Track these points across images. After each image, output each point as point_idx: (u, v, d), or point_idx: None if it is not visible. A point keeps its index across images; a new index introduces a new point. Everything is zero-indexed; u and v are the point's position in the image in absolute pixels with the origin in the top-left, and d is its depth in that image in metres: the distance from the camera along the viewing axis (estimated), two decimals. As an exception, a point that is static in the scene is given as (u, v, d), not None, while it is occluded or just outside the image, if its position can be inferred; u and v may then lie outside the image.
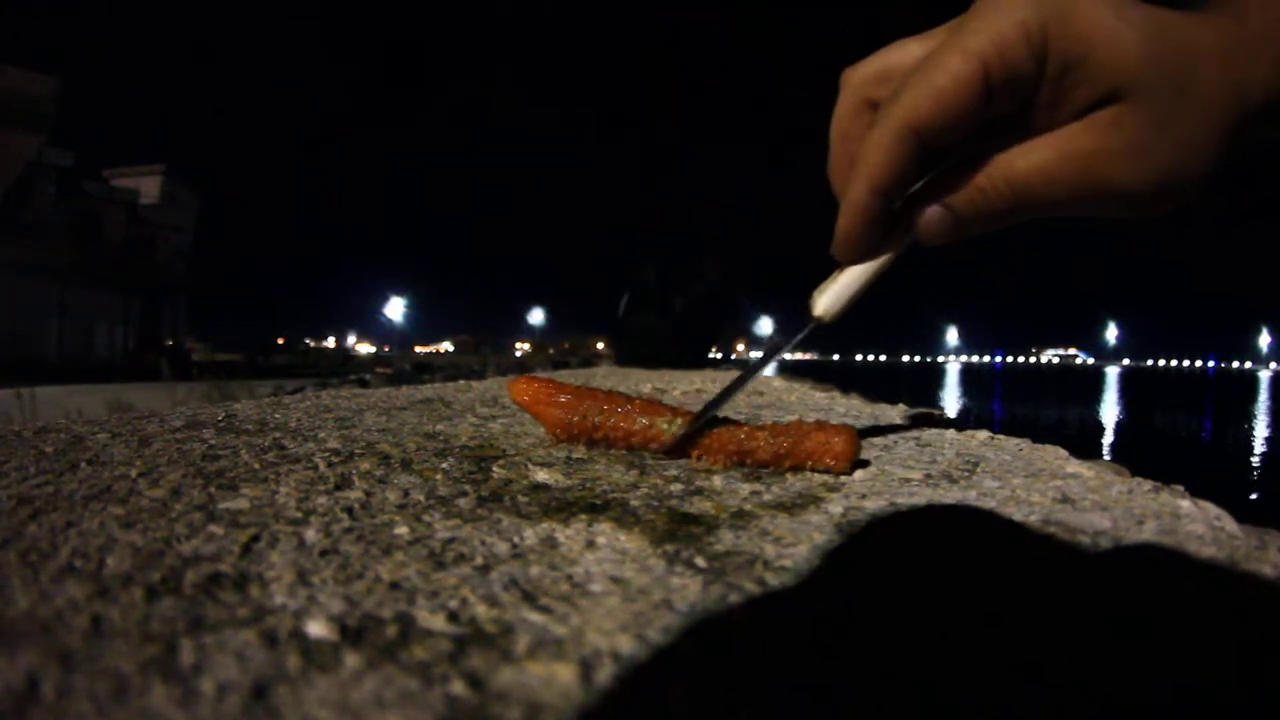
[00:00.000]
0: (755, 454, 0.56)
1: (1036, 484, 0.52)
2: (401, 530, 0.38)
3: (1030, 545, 0.38)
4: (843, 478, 0.54)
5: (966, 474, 0.56)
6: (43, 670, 0.22)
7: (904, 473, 0.56)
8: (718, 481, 0.52)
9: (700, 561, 0.34)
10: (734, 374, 3.23)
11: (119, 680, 0.22)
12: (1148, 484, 0.53)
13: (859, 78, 0.40)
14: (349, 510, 0.42)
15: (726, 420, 0.59)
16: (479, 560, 0.34)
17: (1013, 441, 0.74)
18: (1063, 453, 0.66)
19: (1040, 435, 0.78)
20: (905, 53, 0.38)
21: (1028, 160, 0.34)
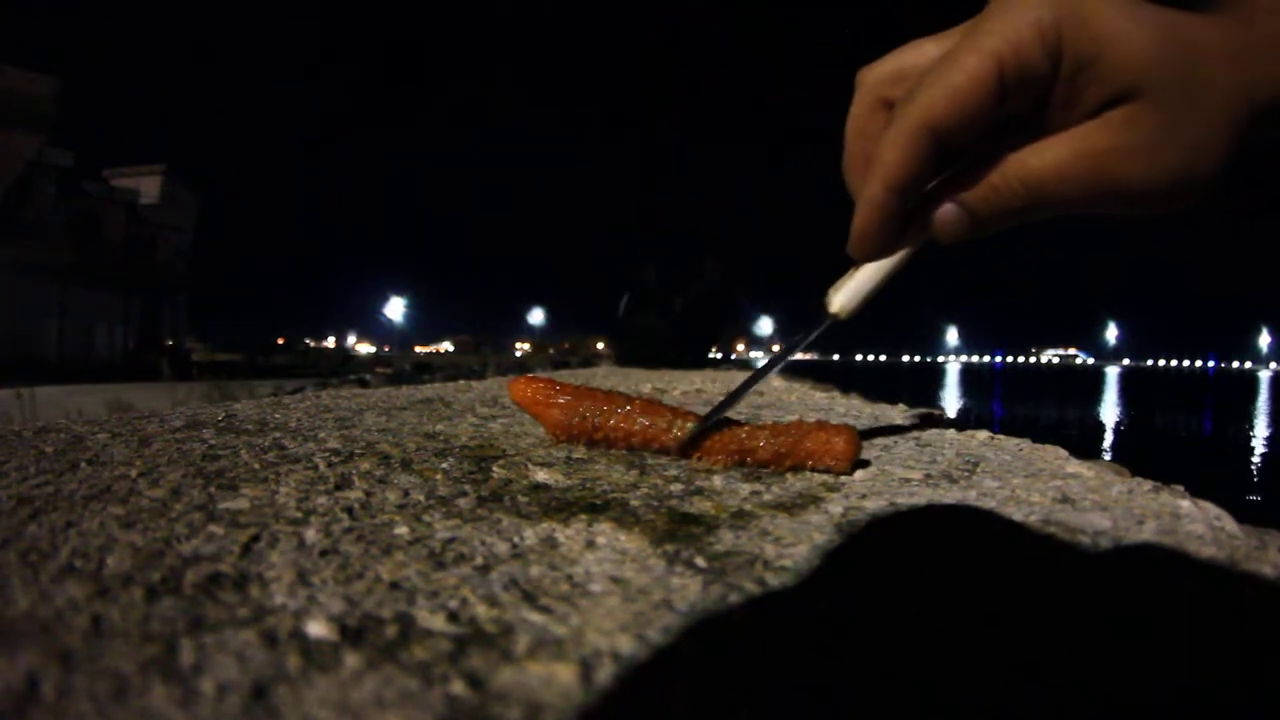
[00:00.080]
0: (756, 454, 0.56)
1: (1036, 484, 0.52)
2: (401, 530, 0.38)
3: (1030, 545, 0.38)
4: (843, 478, 0.54)
5: (966, 474, 0.56)
6: (43, 670, 0.22)
7: (904, 473, 0.56)
8: (718, 481, 0.52)
9: (700, 561, 0.34)
10: (734, 374, 3.23)
11: (119, 680, 0.22)
12: (1148, 484, 0.53)
13: (874, 77, 0.41)
14: (349, 510, 0.42)
15: (727, 420, 0.59)
16: (479, 560, 0.34)
17: (1013, 441, 0.74)
18: (1063, 453, 0.66)
19: (1040, 435, 0.78)
20: (920, 53, 0.39)
21: (1042, 159, 0.35)
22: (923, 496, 0.48)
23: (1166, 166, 0.33)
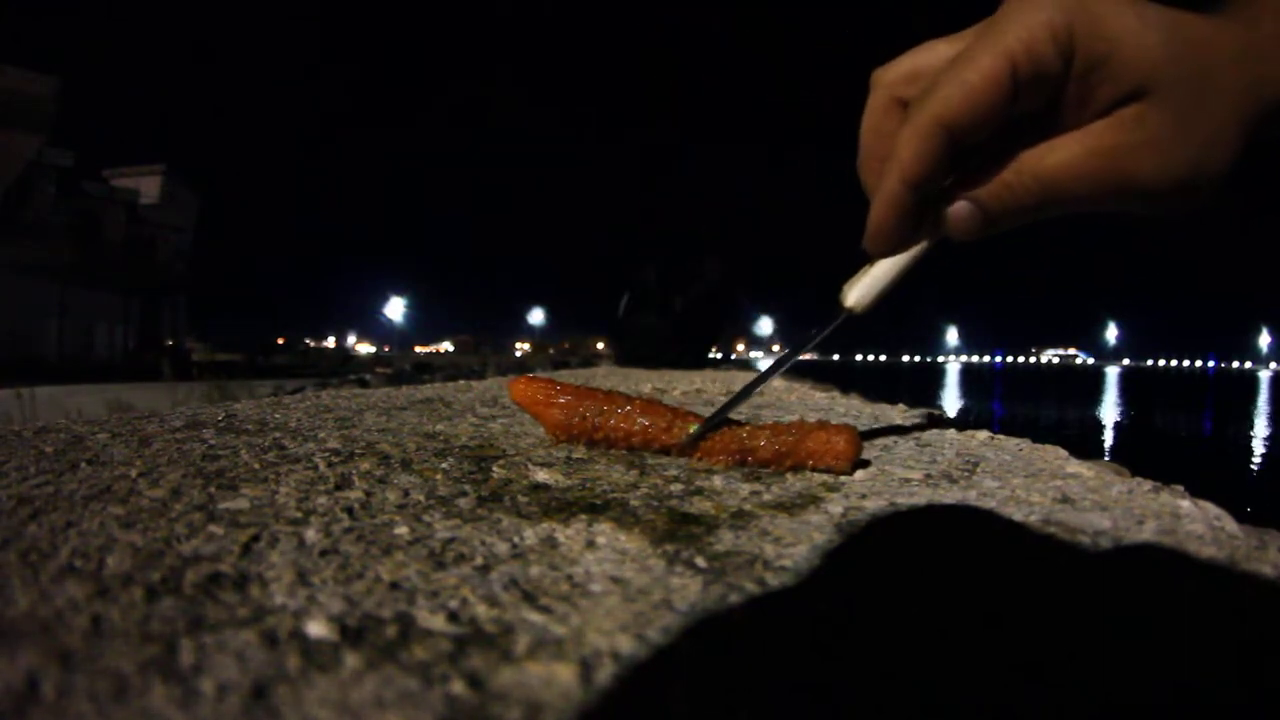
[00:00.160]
0: (757, 453, 0.56)
1: (1036, 484, 0.52)
2: (401, 530, 0.38)
3: (1030, 545, 0.38)
4: (843, 478, 0.54)
5: (966, 474, 0.56)
6: (43, 670, 0.22)
7: (904, 473, 0.56)
8: (718, 481, 0.52)
9: (700, 561, 0.34)
10: (734, 374, 3.22)
11: (119, 680, 0.22)
12: (1148, 484, 0.53)
13: (890, 77, 0.41)
14: (349, 510, 0.42)
15: (728, 420, 0.59)
16: (479, 560, 0.34)
17: (1013, 441, 0.74)
18: (1063, 453, 0.66)
19: (1040, 435, 0.78)
20: (935, 53, 0.40)
21: (1055, 156, 0.36)
22: (923, 496, 0.48)
23: (1176, 163, 0.34)
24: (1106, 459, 0.73)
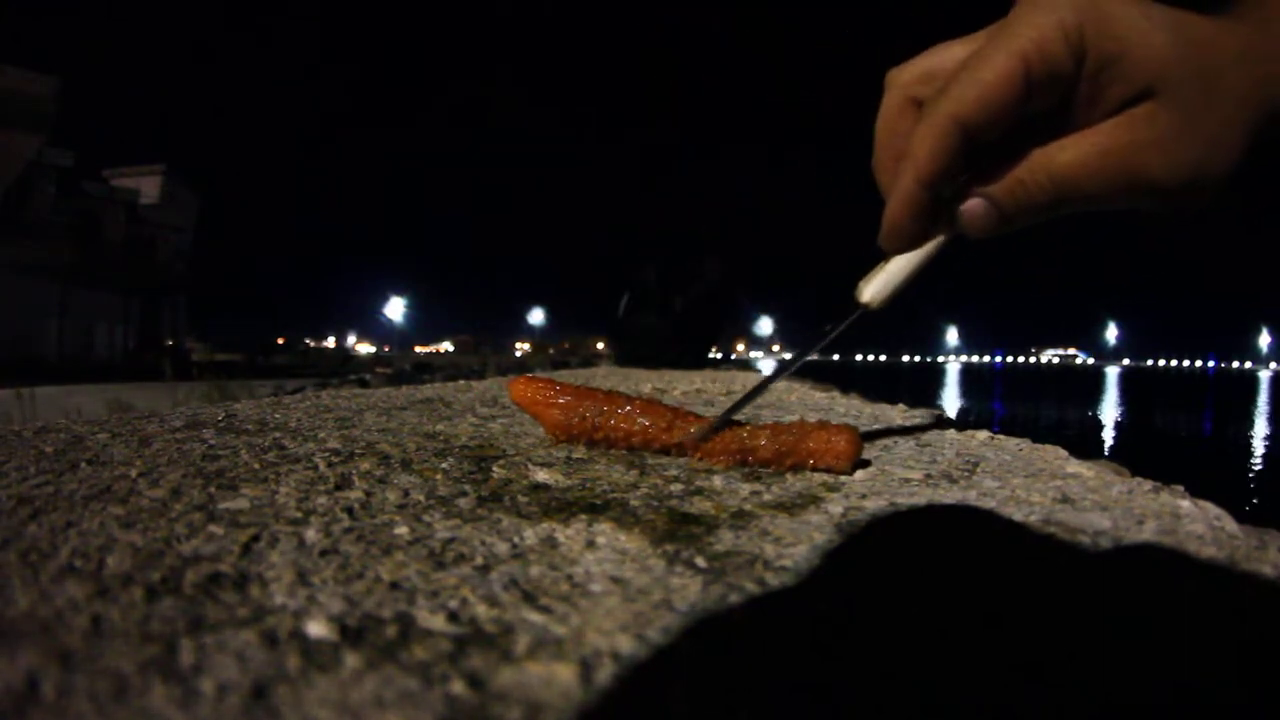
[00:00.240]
0: (758, 453, 0.56)
1: (1036, 484, 0.52)
2: (401, 530, 0.38)
3: (1030, 545, 0.38)
4: (843, 478, 0.54)
5: (966, 474, 0.56)
6: (43, 670, 0.22)
7: (904, 473, 0.56)
8: (718, 481, 0.52)
9: (700, 561, 0.34)
10: (734, 374, 3.22)
11: (119, 680, 0.22)
12: (1148, 484, 0.53)
13: (905, 77, 0.42)
14: (349, 510, 0.42)
15: (728, 420, 0.59)
16: (479, 560, 0.34)
17: (1013, 441, 0.74)
18: (1063, 453, 0.66)
19: (1040, 435, 0.78)
20: (948, 54, 0.40)
21: (1067, 154, 0.36)
22: (923, 496, 0.48)
23: (1185, 161, 0.34)
24: (1106, 459, 0.73)
